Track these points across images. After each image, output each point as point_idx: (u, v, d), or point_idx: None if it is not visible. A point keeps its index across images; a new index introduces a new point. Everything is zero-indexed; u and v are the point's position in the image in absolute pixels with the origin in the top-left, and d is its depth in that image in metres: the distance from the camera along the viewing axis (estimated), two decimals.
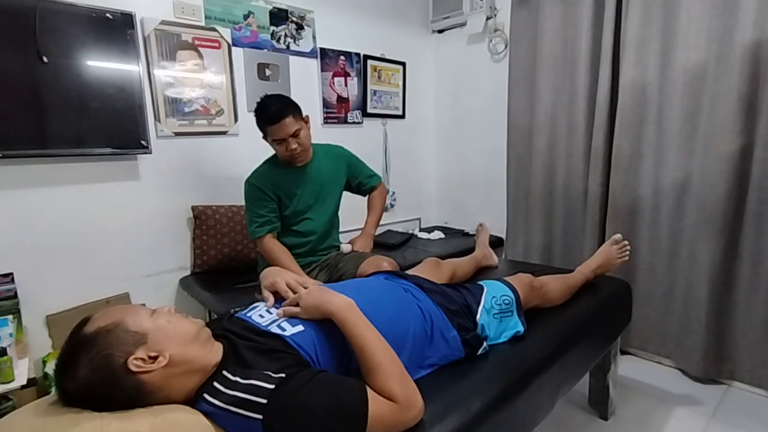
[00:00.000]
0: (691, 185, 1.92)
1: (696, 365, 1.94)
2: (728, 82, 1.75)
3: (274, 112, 1.61)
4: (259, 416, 0.71)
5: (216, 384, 0.77)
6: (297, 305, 0.97)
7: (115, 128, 1.80)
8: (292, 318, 0.95)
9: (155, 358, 0.75)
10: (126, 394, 0.73)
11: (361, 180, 1.94)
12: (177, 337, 0.80)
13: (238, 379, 0.76)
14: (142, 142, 1.87)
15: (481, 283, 1.32)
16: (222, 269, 2.15)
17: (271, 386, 0.74)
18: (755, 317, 1.81)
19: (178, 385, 0.78)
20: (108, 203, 1.89)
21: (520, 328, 1.23)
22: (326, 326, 0.93)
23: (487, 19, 2.70)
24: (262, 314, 0.98)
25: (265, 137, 1.70)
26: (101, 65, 1.74)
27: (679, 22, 1.87)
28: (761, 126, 1.72)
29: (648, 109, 2.02)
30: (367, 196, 2.01)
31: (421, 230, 3.07)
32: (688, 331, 1.96)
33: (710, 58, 1.81)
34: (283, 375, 0.76)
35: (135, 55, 1.82)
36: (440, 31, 3.06)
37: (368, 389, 0.79)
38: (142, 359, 0.74)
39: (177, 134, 2.04)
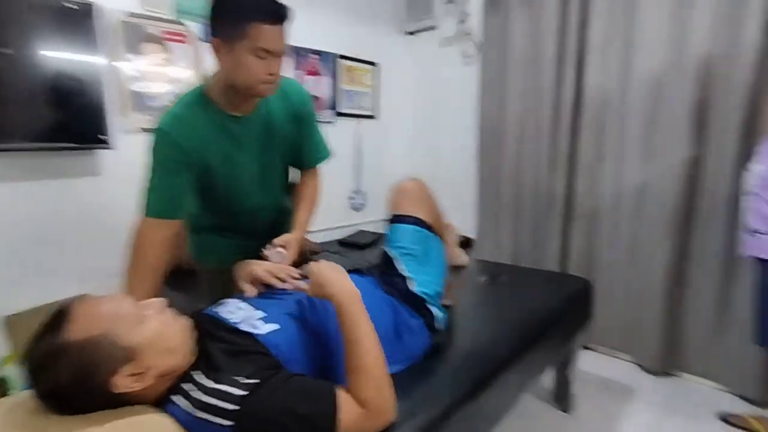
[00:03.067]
0: (648, 189, 2.03)
1: (651, 359, 2.05)
2: (682, 91, 1.85)
3: (277, 6, 1.03)
4: (230, 423, 0.70)
5: (185, 386, 0.75)
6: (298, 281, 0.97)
7: (75, 122, 1.73)
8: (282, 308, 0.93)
9: (141, 374, 0.73)
10: (103, 404, 0.72)
11: (309, 148, 1.35)
12: (167, 350, 0.76)
13: (208, 382, 0.74)
14: (104, 136, 1.80)
15: (384, 249, 1.26)
16: (188, 269, 2.09)
17: (243, 393, 0.72)
18: (704, 313, 1.92)
19: (154, 391, 0.76)
20: (69, 199, 1.81)
21: (441, 245, 1.30)
22: (304, 325, 0.92)
23: (459, 23, 2.75)
24: (231, 310, 0.95)
25: (229, 39, 1.02)
26: (61, 56, 1.67)
27: (638, 31, 1.96)
28: (711, 134, 1.84)
29: (610, 115, 2.11)
30: (301, 176, 1.40)
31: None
32: (643, 327, 2.07)
33: (667, 67, 1.91)
34: (254, 381, 0.74)
35: (97, 47, 1.75)
36: (412, 33, 3.09)
37: (341, 393, 0.77)
38: (126, 377, 0.71)
39: (142, 129, 1.97)
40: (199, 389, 0.74)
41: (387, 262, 1.23)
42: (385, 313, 1.08)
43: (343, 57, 2.77)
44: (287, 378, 0.77)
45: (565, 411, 1.79)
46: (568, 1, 2.15)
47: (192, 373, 0.77)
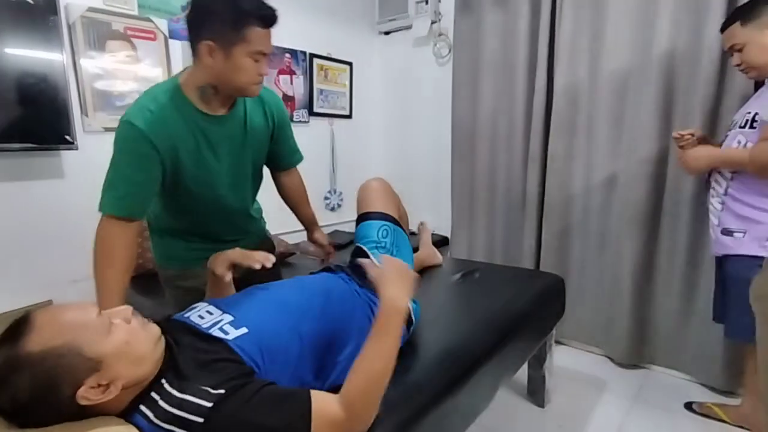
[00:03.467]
0: (617, 186, 2.08)
1: (621, 352, 2.11)
2: (647, 91, 1.91)
3: (272, 11, 1.06)
4: None
5: (153, 394, 0.72)
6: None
7: (35, 122, 1.65)
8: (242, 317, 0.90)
9: (106, 385, 0.69)
10: (66, 417, 0.69)
11: (284, 151, 1.41)
12: (134, 360, 0.72)
13: (174, 392, 0.71)
14: (67, 137, 1.73)
15: (357, 245, 1.29)
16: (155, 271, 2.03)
17: (209, 404, 0.69)
18: (671, 306, 1.99)
19: (120, 402, 0.72)
20: (28, 203, 1.73)
21: (408, 240, 1.35)
22: (273, 328, 0.90)
23: (432, 23, 2.76)
24: (202, 315, 0.92)
25: (226, 42, 1.03)
26: (20, 53, 1.59)
27: (605, 33, 2.02)
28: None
29: (579, 114, 2.16)
30: (280, 178, 1.48)
31: None
32: (614, 321, 2.13)
33: (632, 67, 1.97)
34: (222, 391, 0.71)
35: (58, 44, 1.68)
36: (386, 33, 3.09)
37: (316, 399, 0.74)
38: (91, 390, 0.68)
39: (107, 129, 1.91)
40: (165, 400, 0.71)
41: (360, 255, 1.25)
42: (358, 305, 1.10)
43: (317, 56, 2.75)
44: (258, 388, 0.74)
45: (540, 405, 1.82)
46: (539, 2, 2.19)
47: (162, 381, 0.74)
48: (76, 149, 1.77)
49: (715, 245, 1.53)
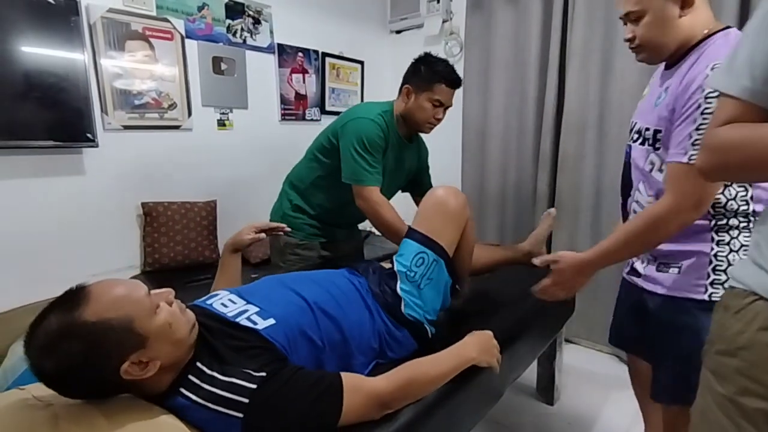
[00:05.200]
0: None
1: None
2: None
3: (458, 77, 1.51)
4: (240, 415, 0.72)
5: (192, 377, 0.76)
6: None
7: (57, 120, 1.71)
8: (264, 309, 0.93)
9: (146, 363, 0.72)
10: (106, 390, 0.74)
11: (426, 180, 1.83)
12: (173, 342, 0.76)
13: (215, 374, 0.76)
14: (88, 134, 1.78)
15: (394, 259, 1.21)
16: (174, 268, 2.08)
17: (253, 386, 0.74)
18: None
19: (156, 383, 0.76)
20: (51, 199, 1.79)
21: (446, 278, 1.18)
22: (298, 321, 0.93)
23: (443, 22, 2.77)
24: (225, 303, 0.95)
25: (418, 89, 1.48)
26: (42, 53, 1.64)
27: (617, 33, 2.01)
28: None
29: (590, 113, 2.16)
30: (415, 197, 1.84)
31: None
32: None
33: (644, 66, 1.95)
34: (263, 374, 0.76)
35: (80, 44, 1.72)
36: (398, 32, 3.10)
37: (347, 382, 0.81)
38: (134, 365, 0.71)
39: (126, 127, 1.95)
40: (206, 379, 0.75)
41: (392, 274, 1.17)
42: (366, 320, 1.07)
43: (329, 55, 2.78)
44: (295, 371, 0.80)
45: (549, 403, 1.83)
46: (551, 1, 2.19)
47: (198, 365, 0.77)
48: (97, 147, 1.82)
49: (641, 279, 1.16)
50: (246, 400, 0.73)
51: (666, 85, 1.00)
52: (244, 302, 0.95)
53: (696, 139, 0.88)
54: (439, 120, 1.54)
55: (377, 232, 2.88)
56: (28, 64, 1.62)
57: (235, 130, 2.38)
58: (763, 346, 0.57)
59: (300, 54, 2.62)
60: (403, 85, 1.54)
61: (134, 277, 2.02)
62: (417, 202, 1.78)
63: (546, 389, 1.84)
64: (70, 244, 1.85)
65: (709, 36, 0.95)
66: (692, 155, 0.88)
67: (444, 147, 2.92)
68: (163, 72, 2.04)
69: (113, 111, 1.90)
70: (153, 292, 0.79)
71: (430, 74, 1.47)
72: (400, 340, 1.11)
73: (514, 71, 2.40)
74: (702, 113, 0.86)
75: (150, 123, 2.03)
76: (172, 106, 2.10)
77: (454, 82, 1.49)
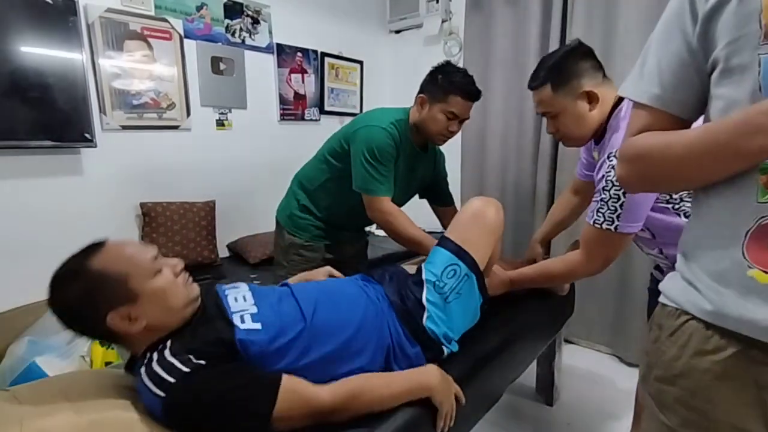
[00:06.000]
0: None
1: (631, 352, 2.11)
2: None
3: (477, 90, 1.43)
4: (162, 395, 0.73)
5: (154, 352, 0.79)
6: None
7: (56, 120, 1.70)
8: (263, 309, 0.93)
9: (134, 319, 0.78)
10: (96, 334, 0.83)
11: (446, 190, 1.77)
12: (164, 308, 0.81)
13: (167, 353, 0.78)
14: (87, 135, 1.77)
15: (422, 267, 1.13)
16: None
17: (186, 369, 0.75)
18: None
19: (139, 342, 0.82)
20: (49, 199, 1.78)
21: (477, 296, 1.10)
22: (287, 328, 0.89)
23: (443, 22, 2.77)
24: (237, 298, 0.94)
25: (433, 99, 1.42)
26: (41, 53, 1.64)
27: (617, 33, 2.01)
28: None
29: None
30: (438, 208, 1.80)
31: (378, 227, 3.10)
32: (623, 320, 2.12)
33: None
34: (202, 362, 0.76)
35: (78, 44, 1.72)
36: (397, 32, 3.10)
37: (287, 384, 0.77)
38: (120, 317, 0.78)
39: (124, 127, 1.95)
40: (158, 360, 0.77)
41: (419, 282, 1.10)
42: (378, 330, 1.01)
43: (328, 55, 2.78)
44: (237, 366, 0.80)
45: (549, 404, 1.83)
46: (551, 1, 2.19)
47: (168, 342, 0.80)
48: (95, 147, 1.82)
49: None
50: (172, 381, 0.73)
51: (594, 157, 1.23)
52: (252, 303, 0.93)
53: (599, 207, 1.05)
54: (453, 133, 1.48)
55: (377, 232, 2.89)
56: (27, 64, 1.61)
57: (234, 130, 2.38)
58: (699, 373, 0.54)
59: (299, 54, 2.62)
60: (419, 93, 1.47)
61: None
62: (436, 211, 1.79)
63: (545, 389, 1.84)
64: (68, 244, 1.84)
65: (616, 104, 1.11)
66: (596, 219, 1.06)
67: (443, 146, 2.92)
68: (162, 72, 2.04)
69: (112, 111, 1.90)
70: (163, 259, 0.85)
71: (446, 85, 1.41)
72: (410, 356, 1.02)
73: (514, 71, 2.40)
74: (604, 184, 1.05)
75: (149, 123, 2.03)
76: (171, 106, 2.09)
77: (472, 94, 1.42)
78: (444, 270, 1.08)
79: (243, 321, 0.87)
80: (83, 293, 0.76)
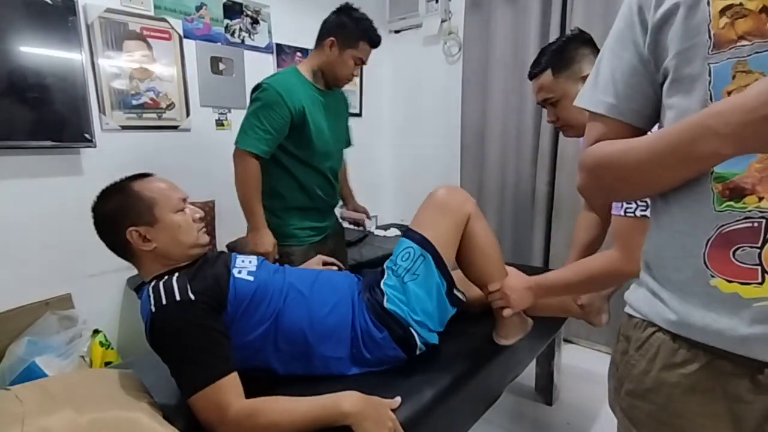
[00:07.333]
0: None
1: None
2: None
3: (379, 37, 1.54)
4: (153, 309, 0.84)
5: (160, 281, 0.90)
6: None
7: (55, 120, 1.70)
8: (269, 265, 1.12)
9: (148, 240, 0.94)
10: (117, 243, 0.97)
11: (348, 133, 1.81)
12: (174, 240, 0.97)
13: (173, 279, 0.89)
14: (86, 135, 1.77)
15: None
16: None
17: (179, 298, 0.85)
18: None
19: (149, 264, 0.98)
20: (49, 199, 1.78)
21: (437, 279, 1.10)
22: (267, 287, 1.01)
23: (442, 21, 2.77)
24: (244, 260, 1.08)
25: (344, 44, 1.49)
26: (40, 53, 1.64)
27: None
28: None
29: None
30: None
31: (377, 227, 3.10)
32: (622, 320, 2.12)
33: None
34: (193, 297, 0.86)
35: (77, 44, 1.72)
36: (397, 32, 3.10)
37: (225, 380, 0.81)
38: (138, 234, 0.94)
39: (124, 128, 1.95)
40: (163, 281, 0.89)
41: (382, 271, 1.17)
42: (346, 318, 1.08)
43: None
44: (214, 327, 0.86)
45: (548, 404, 1.83)
46: (550, 2, 2.19)
47: (176, 273, 0.92)
48: (95, 147, 1.82)
49: None
50: (164, 302, 0.84)
51: None
52: (255, 265, 1.07)
53: None
54: (354, 77, 1.58)
55: (377, 233, 2.89)
56: (26, 65, 1.61)
57: (233, 130, 2.37)
58: (669, 387, 0.54)
59: (298, 54, 2.61)
60: (324, 36, 1.52)
61: (132, 278, 2.02)
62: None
63: (545, 389, 1.84)
64: (68, 244, 1.85)
65: None
66: (627, 209, 0.91)
67: (443, 146, 2.93)
68: (161, 72, 2.04)
69: (111, 111, 1.90)
70: (189, 203, 1.04)
71: (356, 31, 1.48)
72: (378, 341, 1.06)
73: (513, 71, 2.40)
74: None
75: (148, 123, 2.03)
76: (171, 106, 2.09)
77: (376, 41, 1.53)
78: (399, 253, 1.15)
79: (240, 273, 1.02)
80: (118, 205, 0.94)
